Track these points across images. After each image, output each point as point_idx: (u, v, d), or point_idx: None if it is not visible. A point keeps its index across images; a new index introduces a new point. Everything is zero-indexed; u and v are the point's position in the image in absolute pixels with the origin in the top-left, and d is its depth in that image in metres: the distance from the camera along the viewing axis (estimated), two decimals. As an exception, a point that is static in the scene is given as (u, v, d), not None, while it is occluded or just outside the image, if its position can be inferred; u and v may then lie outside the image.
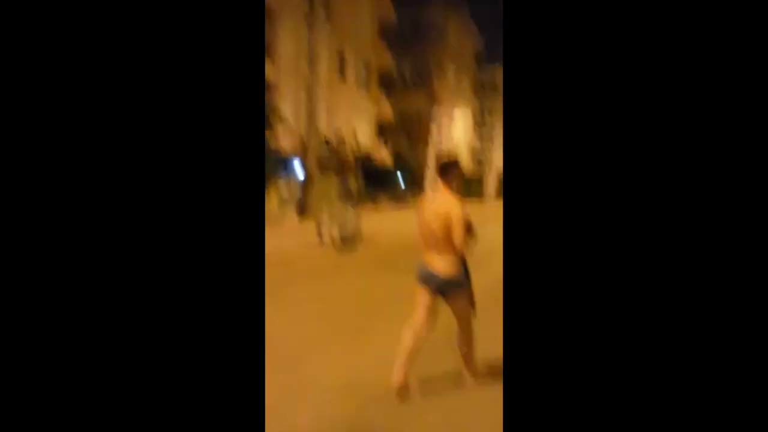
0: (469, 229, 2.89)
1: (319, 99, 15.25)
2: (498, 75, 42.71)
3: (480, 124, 38.57)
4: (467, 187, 31.70)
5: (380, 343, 4.06)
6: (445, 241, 2.88)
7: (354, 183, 18.75)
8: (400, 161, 24.96)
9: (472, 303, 3.07)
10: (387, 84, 26.74)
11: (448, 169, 3.00)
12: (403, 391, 2.98)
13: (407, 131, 29.22)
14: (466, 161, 34.81)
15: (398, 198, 22.52)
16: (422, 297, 3.03)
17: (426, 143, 24.56)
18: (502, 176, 32.77)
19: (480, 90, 40.17)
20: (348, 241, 9.44)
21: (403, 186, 23.87)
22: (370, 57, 23.96)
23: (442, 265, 2.92)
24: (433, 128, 24.30)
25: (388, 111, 25.74)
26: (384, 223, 14.04)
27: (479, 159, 35.14)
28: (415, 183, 24.30)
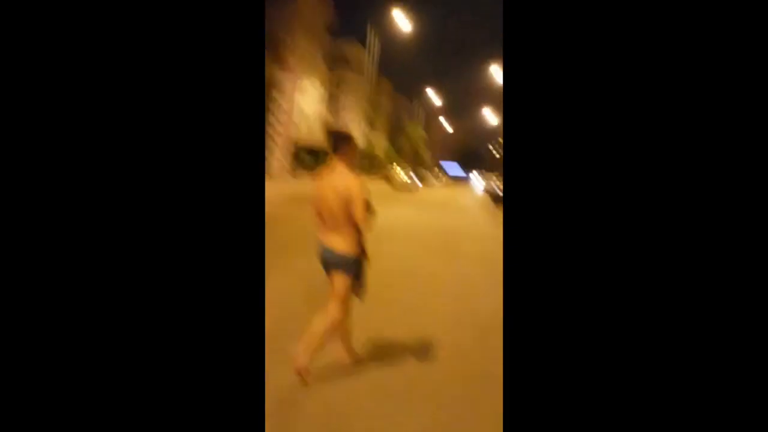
0: (367, 205, 2.82)
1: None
2: (350, 50, 43.02)
3: (332, 97, 38.48)
4: (319, 160, 31.54)
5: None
6: (344, 219, 2.81)
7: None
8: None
9: (361, 284, 3.01)
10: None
11: (340, 143, 2.92)
12: (304, 374, 2.89)
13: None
14: (317, 133, 34.52)
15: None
16: (333, 279, 2.95)
17: (272, 112, 23.70)
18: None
19: (332, 64, 40.07)
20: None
21: None
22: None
23: (342, 243, 2.86)
24: (281, 96, 23.47)
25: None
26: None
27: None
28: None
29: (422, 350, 3.60)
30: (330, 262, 2.90)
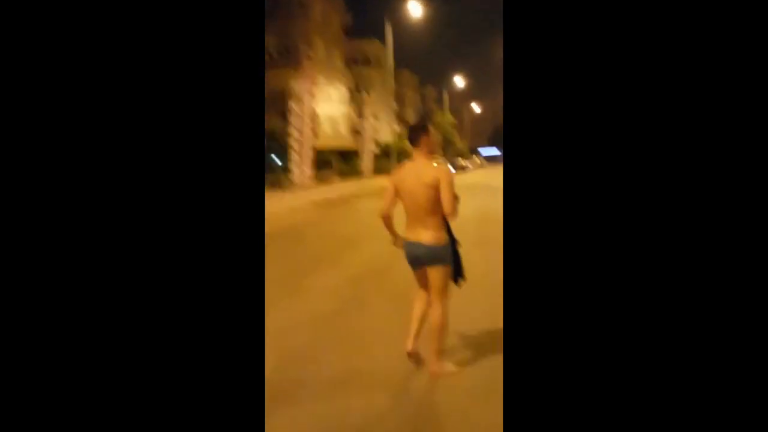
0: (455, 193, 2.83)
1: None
2: (369, 47, 42.72)
3: (355, 97, 38.19)
4: (347, 162, 31.28)
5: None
6: (432, 210, 2.81)
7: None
8: (272, 141, 23.75)
9: (460, 273, 3.04)
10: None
11: (416, 134, 2.95)
12: (414, 358, 2.98)
13: (279, 109, 27.97)
14: (344, 135, 34.25)
15: (273, 181, 21.40)
16: (430, 274, 2.94)
17: (291, 122, 23.60)
18: (376, 151, 32.60)
19: (352, 63, 39.83)
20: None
21: (279, 163, 22.92)
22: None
23: (431, 235, 2.84)
24: (303, 103, 23.34)
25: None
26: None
27: (357, 131, 34.61)
28: (290, 162, 23.33)
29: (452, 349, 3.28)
30: (421, 257, 2.88)
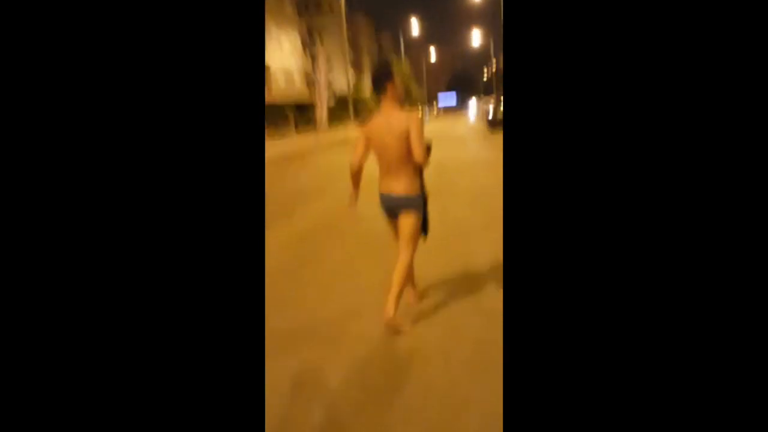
0: (427, 144, 2.77)
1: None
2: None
3: (308, 47, 36.81)
4: (302, 114, 30.39)
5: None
6: (404, 160, 2.76)
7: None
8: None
9: (425, 230, 2.98)
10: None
11: (381, 82, 2.80)
12: (395, 325, 2.84)
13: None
14: (298, 87, 33.22)
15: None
16: (401, 222, 2.90)
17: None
18: (331, 102, 31.75)
19: (305, 11, 38.23)
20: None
21: None
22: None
23: (404, 185, 2.80)
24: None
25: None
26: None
27: (311, 82, 33.56)
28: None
29: (410, 310, 3.17)
30: (395, 206, 2.86)
